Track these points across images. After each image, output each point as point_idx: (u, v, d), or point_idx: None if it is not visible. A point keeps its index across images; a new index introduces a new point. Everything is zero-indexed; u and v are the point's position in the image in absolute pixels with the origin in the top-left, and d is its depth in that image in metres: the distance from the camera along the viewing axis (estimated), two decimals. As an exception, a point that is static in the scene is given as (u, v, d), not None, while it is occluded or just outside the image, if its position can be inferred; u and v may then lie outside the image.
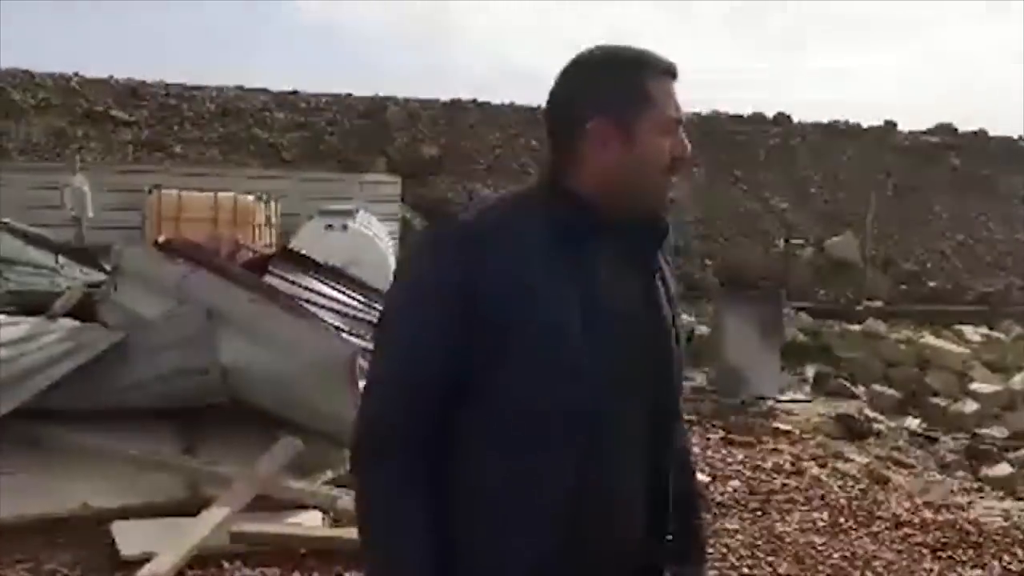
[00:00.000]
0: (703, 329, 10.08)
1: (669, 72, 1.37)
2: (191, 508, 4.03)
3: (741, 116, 20.75)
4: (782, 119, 20.94)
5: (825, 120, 21.24)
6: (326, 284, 5.56)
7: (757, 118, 20.82)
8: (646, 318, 1.38)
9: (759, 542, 4.43)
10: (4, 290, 5.36)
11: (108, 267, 5.24)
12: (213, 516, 3.89)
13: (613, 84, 1.34)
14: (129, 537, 3.81)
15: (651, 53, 1.38)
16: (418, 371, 1.30)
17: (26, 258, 5.88)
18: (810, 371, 9.40)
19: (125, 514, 4.02)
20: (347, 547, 3.68)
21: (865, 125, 21.36)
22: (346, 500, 3.92)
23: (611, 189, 1.34)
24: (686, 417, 6.58)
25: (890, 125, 21.57)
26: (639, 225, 1.39)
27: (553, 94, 1.38)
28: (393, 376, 1.33)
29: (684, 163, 1.38)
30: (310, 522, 4.08)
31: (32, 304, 5.12)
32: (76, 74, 17.84)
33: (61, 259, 6.15)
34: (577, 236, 1.32)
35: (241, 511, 3.97)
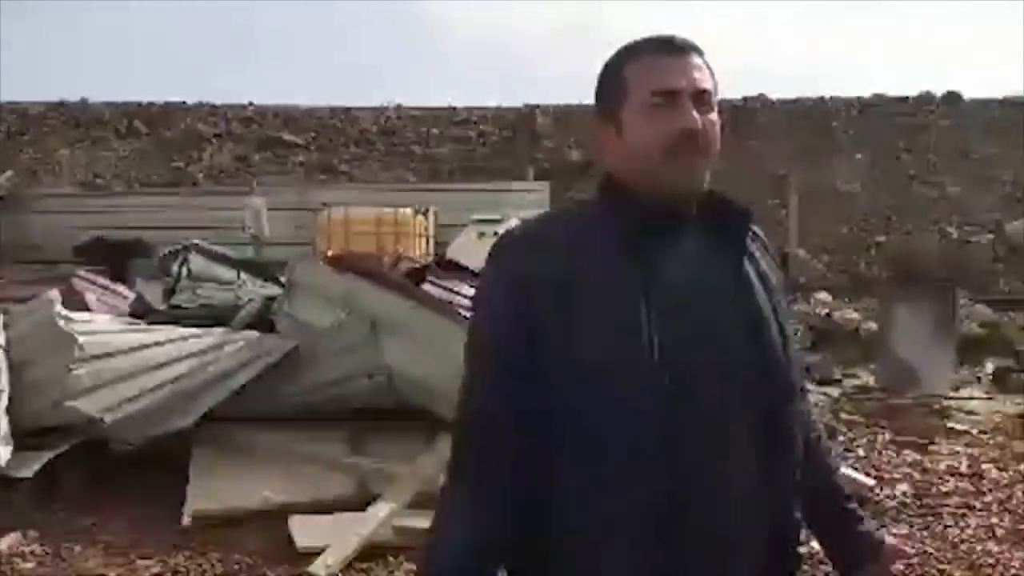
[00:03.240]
0: (870, 325, 9.61)
1: (656, 49, 1.32)
2: (360, 504, 4.28)
3: (906, 98, 19.57)
4: (952, 97, 19.58)
5: (999, 96, 19.66)
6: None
7: (924, 98, 19.56)
8: (727, 314, 1.31)
9: (930, 549, 4.20)
10: (196, 304, 5.87)
11: (283, 281, 5.64)
12: (379, 512, 4.12)
13: (601, 81, 1.37)
14: (304, 530, 4.09)
15: (645, 38, 1.34)
16: (486, 405, 1.31)
17: (212, 274, 6.42)
18: (989, 367, 8.76)
19: (301, 509, 4.32)
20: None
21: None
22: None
23: (630, 182, 1.33)
24: (851, 417, 6.27)
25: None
26: (714, 211, 1.35)
27: None
28: (466, 409, 1.34)
29: (688, 138, 1.29)
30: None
31: (218, 317, 5.58)
32: (250, 103, 19.22)
33: (242, 275, 6.67)
34: (635, 233, 1.29)
35: (405, 507, 4.18)
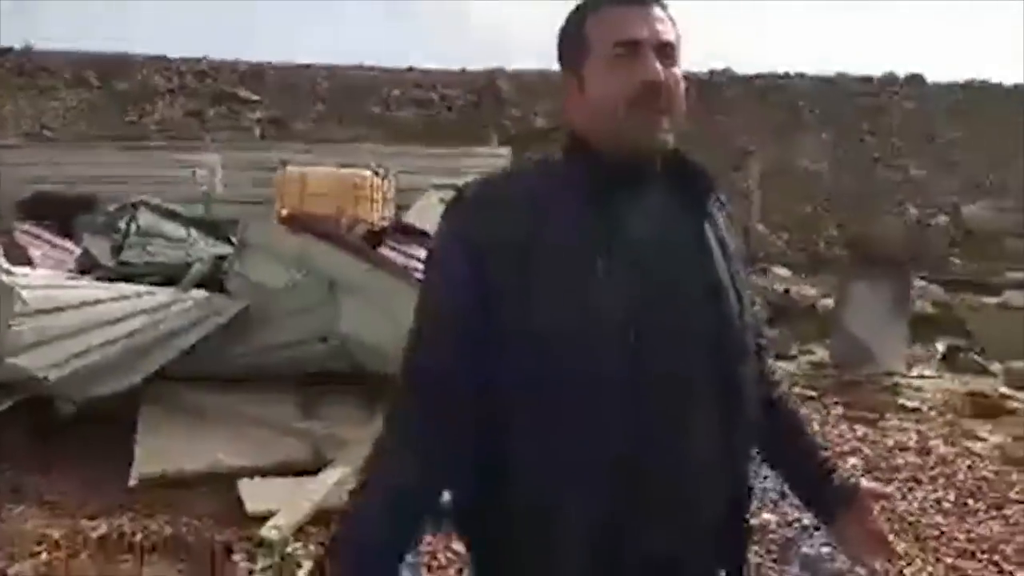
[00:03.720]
0: (827, 302, 9.72)
1: (620, 1, 1.29)
2: (312, 468, 4.24)
3: (870, 79, 19.74)
4: (914, 79, 19.80)
5: (961, 80, 19.94)
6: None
7: (888, 79, 19.75)
8: (691, 271, 1.29)
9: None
10: (142, 262, 5.71)
11: (235, 240, 5.50)
12: (331, 476, 4.07)
13: (562, 38, 1.34)
14: (255, 494, 4.04)
15: None
16: (433, 372, 1.28)
17: (161, 231, 6.25)
18: (940, 346, 8.93)
19: (253, 473, 4.26)
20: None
21: (1007, 83, 19.94)
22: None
23: (594, 136, 1.30)
24: (808, 392, 6.34)
25: (1035, 82, 20.02)
26: (675, 171, 1.32)
27: None
28: (411, 376, 1.32)
29: (651, 90, 1.25)
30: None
31: (168, 275, 5.44)
32: (205, 57, 18.72)
33: (193, 233, 6.49)
34: (598, 190, 1.26)
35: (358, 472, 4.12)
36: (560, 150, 1.34)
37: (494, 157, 13.88)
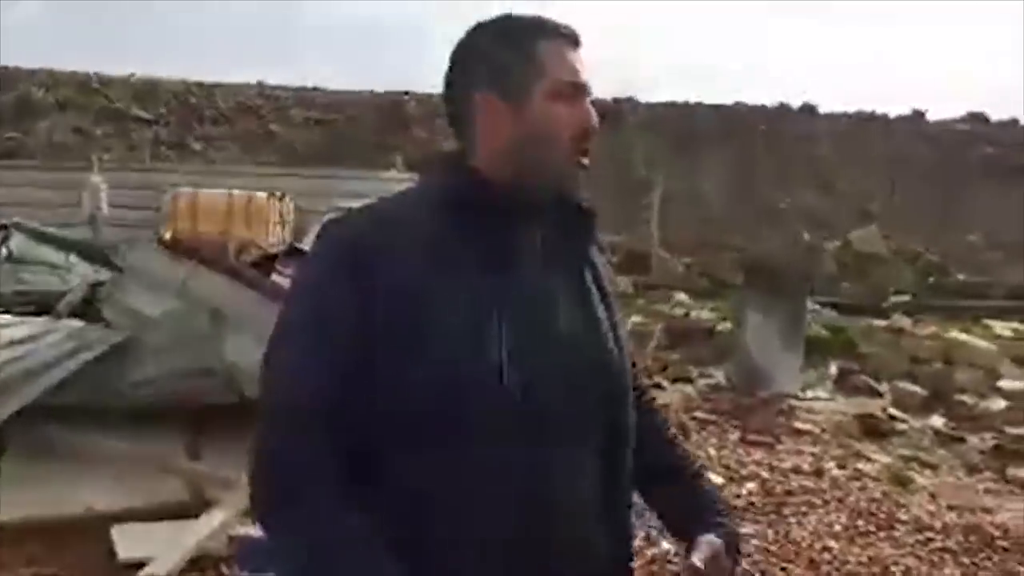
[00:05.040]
0: (725, 326, 9.92)
1: (566, 37, 1.26)
2: (194, 511, 4.01)
3: (765, 107, 20.50)
4: (807, 109, 20.66)
5: (851, 110, 20.92)
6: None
7: (782, 109, 20.55)
8: (575, 316, 1.26)
9: (773, 547, 4.30)
10: (11, 290, 5.35)
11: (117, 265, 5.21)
12: (213, 519, 3.85)
13: (499, 51, 1.25)
14: (129, 540, 3.80)
15: (548, 18, 1.27)
16: (313, 396, 1.17)
17: (36, 256, 5.88)
18: (833, 368, 9.21)
19: (128, 517, 4.00)
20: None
21: (893, 114, 21.03)
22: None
23: (510, 166, 1.23)
24: (704, 415, 6.41)
25: (918, 114, 21.21)
26: (562, 212, 1.28)
27: (447, 69, 1.28)
28: (288, 404, 1.19)
29: (590, 135, 1.25)
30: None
31: (40, 303, 5.11)
32: (96, 73, 18.02)
33: (72, 258, 6.13)
34: (485, 223, 1.21)
35: (241, 515, 3.91)
36: (446, 176, 1.27)
37: (399, 181, 13.75)
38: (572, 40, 1.27)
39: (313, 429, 1.16)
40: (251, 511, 1.25)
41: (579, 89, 1.25)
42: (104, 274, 5.75)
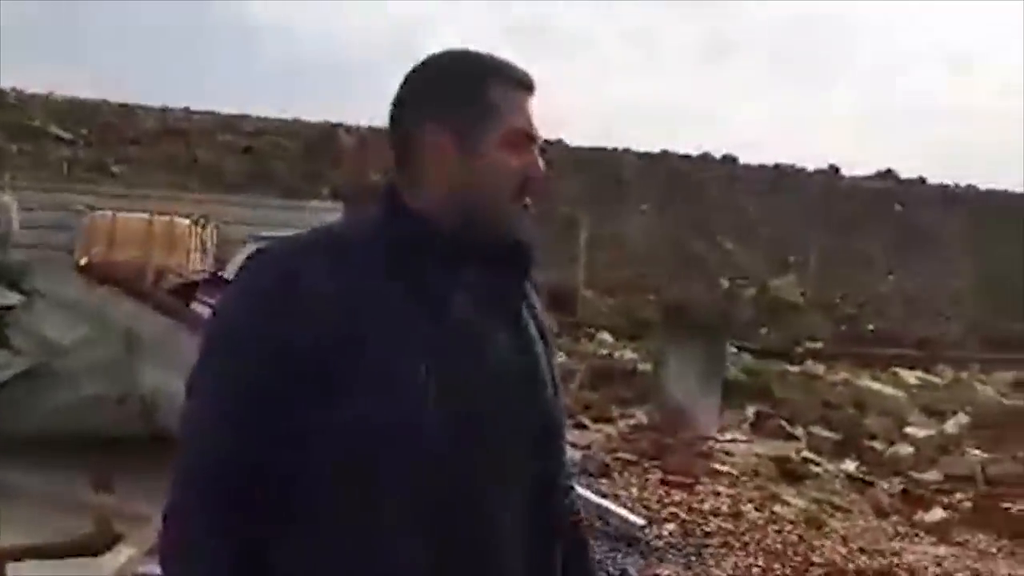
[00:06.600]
0: (647, 366, 10.05)
1: (522, 84, 1.23)
2: (99, 549, 3.82)
3: (689, 156, 21.09)
4: (729, 160, 21.33)
5: (771, 162, 21.71)
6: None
7: (705, 158, 21.18)
8: (512, 361, 1.21)
9: (692, 590, 4.34)
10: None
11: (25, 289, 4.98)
12: (119, 557, 3.67)
13: (453, 89, 1.21)
14: (26, 581, 3.58)
15: (505, 61, 1.24)
16: (222, 462, 1.13)
17: (-63, 278, 5.58)
18: (750, 411, 9.41)
19: (27, 555, 3.78)
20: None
21: (811, 169, 21.88)
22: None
23: (452, 207, 1.19)
24: (625, 456, 6.45)
25: (834, 170, 22.12)
26: (501, 253, 1.24)
27: (393, 101, 1.25)
28: (198, 463, 1.15)
29: (537, 185, 1.23)
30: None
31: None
32: (13, 89, 17.41)
33: (-23, 280, 5.84)
34: (420, 264, 1.17)
35: (149, 553, 3.75)
36: (384, 214, 1.22)
37: (325, 211, 13.59)
38: (527, 86, 1.23)
39: (220, 490, 1.13)
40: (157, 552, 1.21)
41: (531, 139, 1.22)
42: (13, 298, 5.50)
